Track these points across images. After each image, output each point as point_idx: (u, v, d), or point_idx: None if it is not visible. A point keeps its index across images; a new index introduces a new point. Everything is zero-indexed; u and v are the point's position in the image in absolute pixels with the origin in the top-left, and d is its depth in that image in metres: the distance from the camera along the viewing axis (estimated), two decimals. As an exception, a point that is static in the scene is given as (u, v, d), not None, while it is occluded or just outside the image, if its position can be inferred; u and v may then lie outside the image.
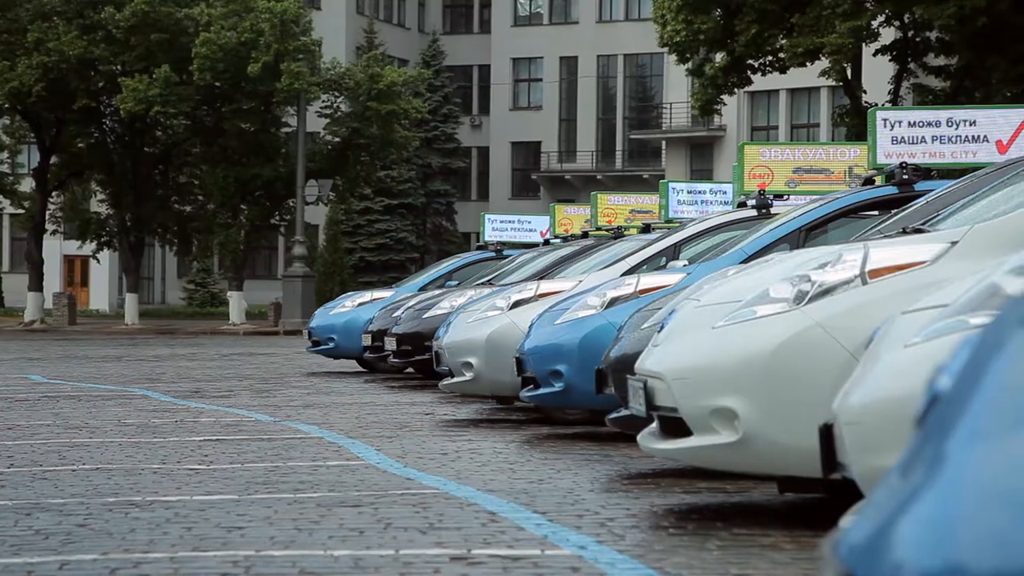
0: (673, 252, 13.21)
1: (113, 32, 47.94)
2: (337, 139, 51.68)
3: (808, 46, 36.23)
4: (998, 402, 1.45)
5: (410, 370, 19.75)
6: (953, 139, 11.68)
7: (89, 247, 54.95)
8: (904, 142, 11.75)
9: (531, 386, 11.73)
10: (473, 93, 75.63)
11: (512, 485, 8.44)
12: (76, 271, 70.16)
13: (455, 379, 13.71)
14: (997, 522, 1.30)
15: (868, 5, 36.64)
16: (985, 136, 11.61)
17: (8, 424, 13.17)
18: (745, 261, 9.73)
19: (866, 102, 37.96)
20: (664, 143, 65.71)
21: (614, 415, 9.12)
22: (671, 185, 19.11)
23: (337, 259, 63.61)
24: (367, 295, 23.84)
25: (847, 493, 5.68)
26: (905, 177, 10.71)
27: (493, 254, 23.38)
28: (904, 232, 6.90)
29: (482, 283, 18.82)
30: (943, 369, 1.63)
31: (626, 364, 8.43)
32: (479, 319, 13.80)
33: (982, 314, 4.41)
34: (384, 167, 61.56)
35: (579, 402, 11.60)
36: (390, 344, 18.89)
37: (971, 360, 1.58)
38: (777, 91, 56.62)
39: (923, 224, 6.92)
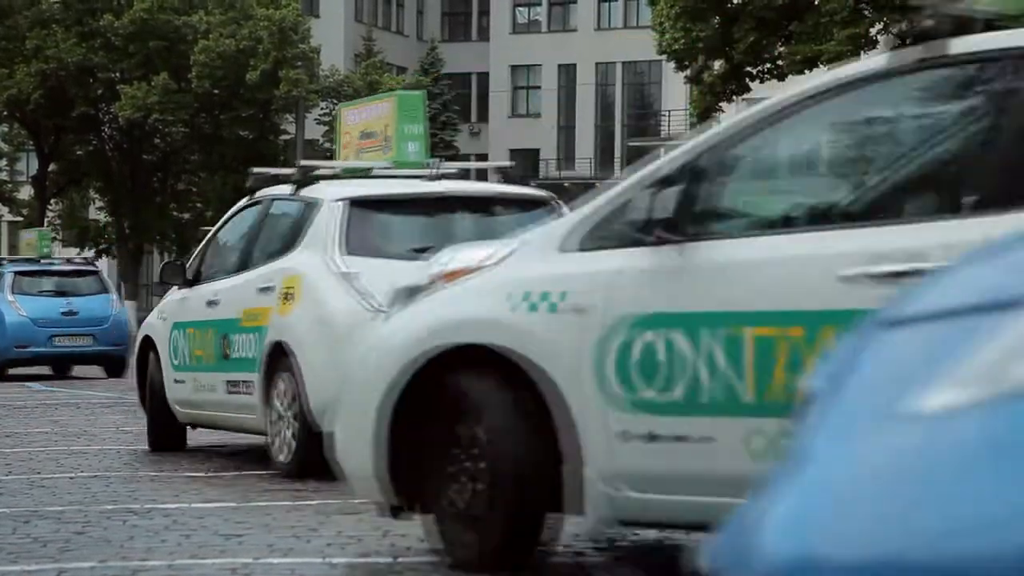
0: None
1: (112, 39, 48.00)
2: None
3: (806, 54, 36.26)
4: (857, 403, 1.54)
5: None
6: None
7: (87, 254, 54.95)
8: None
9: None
10: (472, 101, 75.66)
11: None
12: (74, 278, 70.22)
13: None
14: (852, 515, 1.37)
15: (866, 13, 36.69)
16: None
17: (6, 431, 13.16)
18: None
19: (864, 110, 37.95)
20: (663, 151, 65.62)
21: None
22: None
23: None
24: None
25: None
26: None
27: None
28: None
29: None
30: (818, 370, 1.72)
31: None
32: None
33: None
34: (383, 174, 61.57)
35: None
36: None
37: (840, 362, 1.67)
38: (775, 99, 56.68)
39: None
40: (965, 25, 4.96)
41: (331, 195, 10.03)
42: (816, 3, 36.19)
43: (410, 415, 5.82)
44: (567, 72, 72.60)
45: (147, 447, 11.58)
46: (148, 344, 11.77)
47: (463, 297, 5.77)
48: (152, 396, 11.53)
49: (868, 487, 1.39)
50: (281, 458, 9.63)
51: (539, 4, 73.43)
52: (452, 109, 72.63)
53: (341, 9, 69.82)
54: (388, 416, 5.80)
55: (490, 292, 5.67)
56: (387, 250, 9.53)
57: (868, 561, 1.33)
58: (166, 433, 11.44)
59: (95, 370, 24.56)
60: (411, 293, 6.14)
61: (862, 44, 37.11)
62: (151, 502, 8.16)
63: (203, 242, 11.78)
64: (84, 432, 13.09)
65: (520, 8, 74.13)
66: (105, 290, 24.58)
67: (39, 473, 9.73)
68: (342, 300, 9.26)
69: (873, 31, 37.93)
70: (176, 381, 11.18)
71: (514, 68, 73.81)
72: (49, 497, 8.43)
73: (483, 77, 74.99)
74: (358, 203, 9.91)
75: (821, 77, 5.45)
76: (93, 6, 49.02)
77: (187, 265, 11.62)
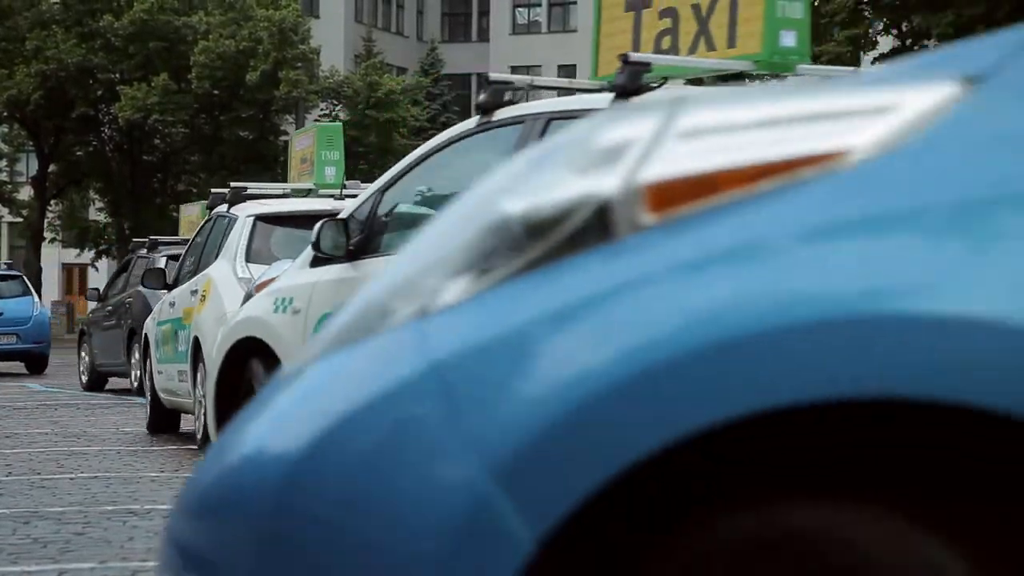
0: None
1: (112, 40, 47.98)
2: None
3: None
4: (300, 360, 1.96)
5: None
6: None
7: (88, 255, 54.96)
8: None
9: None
10: (472, 101, 75.70)
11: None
12: (75, 279, 70.21)
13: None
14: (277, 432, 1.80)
15: (866, 13, 36.68)
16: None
17: (6, 432, 13.17)
18: None
19: (864, 110, 37.91)
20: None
21: None
22: None
23: (335, 267, 63.61)
24: None
25: None
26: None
27: None
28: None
29: None
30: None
31: None
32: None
33: None
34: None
35: None
36: None
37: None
38: (775, 99, 56.71)
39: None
40: (511, 97, 7.28)
41: (244, 211, 11.79)
42: (816, 3, 36.19)
43: (240, 391, 7.82)
44: (567, 73, 72.60)
45: (147, 447, 11.65)
46: (146, 340, 13.54)
47: (256, 302, 7.85)
48: (150, 385, 13.22)
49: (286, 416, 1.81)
50: (199, 437, 11.03)
51: (539, 5, 73.47)
52: (452, 110, 72.63)
53: (341, 9, 69.85)
54: (213, 390, 8.07)
55: (266, 298, 7.70)
56: (283, 259, 10.45)
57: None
58: (161, 419, 13.13)
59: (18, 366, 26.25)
60: (247, 297, 8.48)
61: (862, 44, 37.13)
62: (151, 502, 8.17)
63: (185, 249, 13.53)
64: (84, 432, 13.10)
65: (520, 9, 74.17)
66: (27, 292, 26.25)
67: (39, 474, 9.74)
68: (237, 301, 10.12)
69: (873, 32, 37.94)
70: (158, 372, 12.78)
71: (514, 69, 73.83)
72: (49, 498, 8.44)
73: (483, 78, 74.98)
74: (262, 218, 11.63)
75: (432, 140, 7.62)
76: (93, 7, 48.99)
77: (165, 271, 13.72)
